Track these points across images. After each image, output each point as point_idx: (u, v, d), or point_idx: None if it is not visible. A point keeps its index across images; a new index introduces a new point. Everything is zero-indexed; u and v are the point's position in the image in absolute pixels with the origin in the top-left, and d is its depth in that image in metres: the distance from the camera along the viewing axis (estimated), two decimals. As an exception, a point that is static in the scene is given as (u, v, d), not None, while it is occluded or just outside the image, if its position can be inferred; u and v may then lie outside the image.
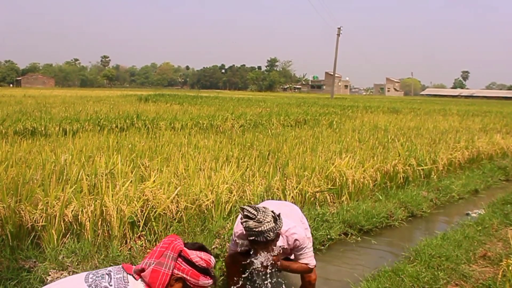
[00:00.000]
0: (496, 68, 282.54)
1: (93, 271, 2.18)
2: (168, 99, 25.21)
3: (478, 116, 21.46)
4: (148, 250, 3.98)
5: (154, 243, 4.19)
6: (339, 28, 56.85)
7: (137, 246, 4.01)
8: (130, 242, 4.12)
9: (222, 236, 4.30)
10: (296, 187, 5.73)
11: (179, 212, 4.57)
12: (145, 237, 4.24)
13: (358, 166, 6.77)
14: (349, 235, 5.32)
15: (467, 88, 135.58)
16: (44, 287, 2.16)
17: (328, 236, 5.02)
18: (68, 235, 4.00)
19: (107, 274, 2.13)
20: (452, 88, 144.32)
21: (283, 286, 3.71)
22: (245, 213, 2.96)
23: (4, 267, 3.48)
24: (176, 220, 4.52)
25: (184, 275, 2.13)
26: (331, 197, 6.10)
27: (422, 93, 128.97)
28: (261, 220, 2.89)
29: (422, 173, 7.77)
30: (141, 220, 4.28)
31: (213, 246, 4.14)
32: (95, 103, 19.94)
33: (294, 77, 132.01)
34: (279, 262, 3.17)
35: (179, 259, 2.14)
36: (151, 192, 4.54)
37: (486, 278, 3.79)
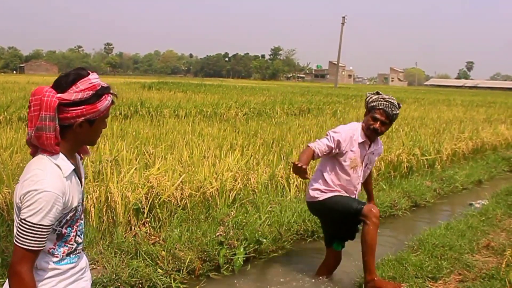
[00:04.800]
0: (501, 59, 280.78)
1: None
2: (171, 87, 25.18)
3: (482, 106, 21.38)
4: (152, 237, 3.99)
5: (159, 230, 4.21)
6: (343, 17, 56.64)
7: (141, 232, 4.02)
8: (135, 229, 4.13)
9: (226, 224, 4.31)
10: (300, 175, 5.72)
11: (184, 199, 4.58)
12: (149, 224, 4.25)
13: (362, 155, 6.75)
14: (353, 224, 5.31)
15: (472, 79, 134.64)
16: None
17: (332, 225, 5.02)
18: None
19: None
20: (456, 78, 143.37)
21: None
22: (386, 97, 3.62)
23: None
24: (181, 207, 4.53)
25: (82, 119, 1.84)
26: (335, 186, 6.09)
27: (426, 83, 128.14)
28: (398, 106, 3.71)
29: (426, 163, 7.76)
30: (145, 207, 4.30)
31: (217, 234, 4.15)
32: (99, 90, 19.87)
33: (298, 66, 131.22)
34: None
35: (64, 109, 1.81)
36: (156, 179, 4.55)
37: (489, 268, 3.80)
